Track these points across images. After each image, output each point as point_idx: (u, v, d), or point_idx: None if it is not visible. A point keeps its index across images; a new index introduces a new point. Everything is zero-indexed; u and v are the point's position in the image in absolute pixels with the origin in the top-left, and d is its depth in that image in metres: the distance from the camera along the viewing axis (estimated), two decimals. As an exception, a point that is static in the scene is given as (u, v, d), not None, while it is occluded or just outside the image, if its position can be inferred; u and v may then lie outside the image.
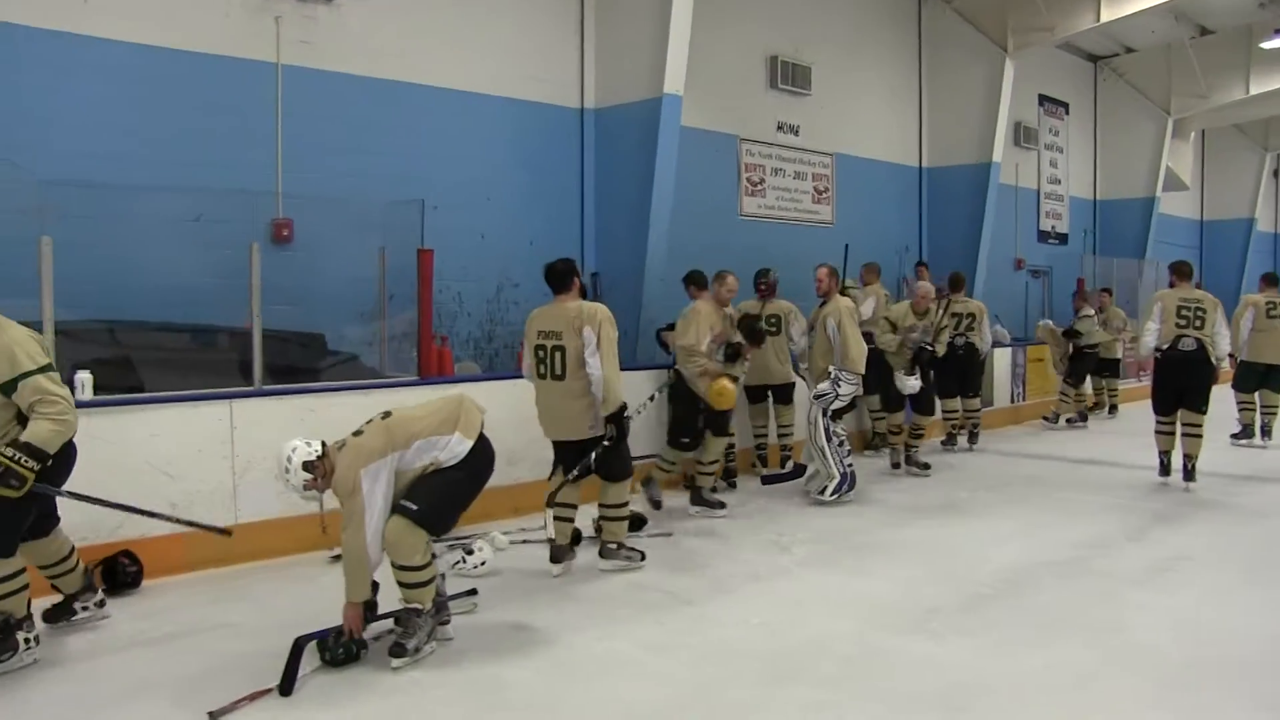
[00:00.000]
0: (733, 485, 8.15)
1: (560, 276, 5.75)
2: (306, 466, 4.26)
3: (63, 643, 4.61)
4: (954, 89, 12.81)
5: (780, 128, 11.15)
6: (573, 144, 9.20)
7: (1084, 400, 12.37)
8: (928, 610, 5.07)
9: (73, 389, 5.31)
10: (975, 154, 12.69)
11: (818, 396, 7.48)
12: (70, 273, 5.56)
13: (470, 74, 8.49)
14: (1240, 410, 10.77)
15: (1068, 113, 15.56)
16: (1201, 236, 20.01)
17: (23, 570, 4.38)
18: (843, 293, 7.94)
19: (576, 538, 6.05)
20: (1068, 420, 12.05)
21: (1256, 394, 10.61)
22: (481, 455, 4.57)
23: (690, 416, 7.11)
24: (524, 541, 6.40)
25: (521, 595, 5.34)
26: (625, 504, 5.88)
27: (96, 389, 5.48)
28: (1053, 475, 8.95)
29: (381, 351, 7.28)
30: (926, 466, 8.84)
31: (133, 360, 6.08)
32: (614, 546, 5.82)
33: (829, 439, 7.41)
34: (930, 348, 8.75)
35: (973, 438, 10.23)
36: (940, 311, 8.93)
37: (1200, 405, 7.99)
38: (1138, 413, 12.68)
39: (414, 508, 4.34)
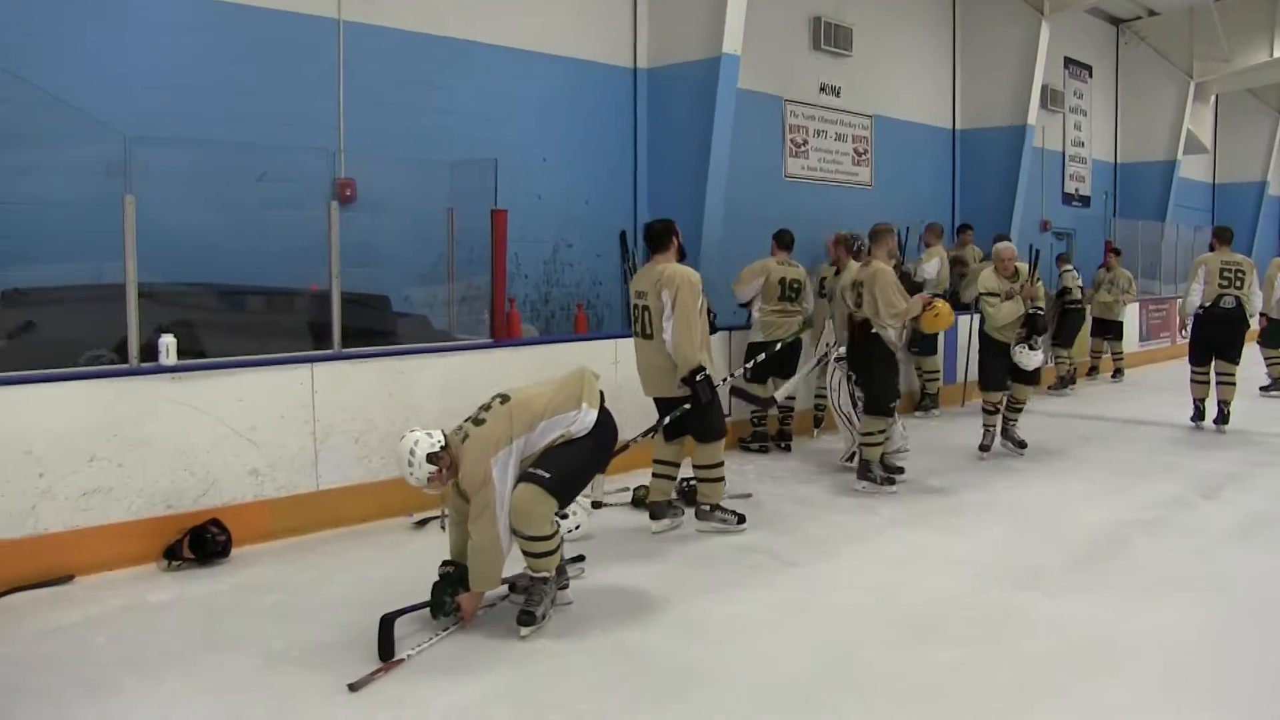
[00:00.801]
0: (788, 449, 8.10)
1: (657, 237, 5.74)
2: (430, 459, 4.16)
3: (174, 611, 4.53)
4: (988, 51, 12.68)
5: (823, 89, 11.02)
6: (626, 104, 9.05)
7: (1069, 362, 11.75)
8: (1033, 569, 5.06)
9: (156, 353, 5.23)
10: (1009, 116, 12.59)
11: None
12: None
13: (525, 32, 8.30)
14: (1269, 365, 11.52)
15: (1091, 75, 15.46)
16: (1214, 199, 20.00)
17: None
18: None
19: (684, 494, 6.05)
20: (1049, 388, 11.43)
21: None
22: (607, 425, 4.52)
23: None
24: (599, 505, 6.32)
25: (623, 558, 5.29)
26: (719, 464, 5.82)
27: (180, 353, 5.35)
28: (1106, 434, 8.99)
29: (450, 313, 7.15)
30: (1023, 445, 8.08)
31: (203, 324, 5.92)
32: (708, 508, 5.79)
33: (854, 403, 7.25)
34: (1041, 312, 7.93)
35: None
36: (1031, 271, 8.01)
37: (1235, 357, 8.88)
38: (1147, 375, 12.80)
39: (546, 475, 4.26)
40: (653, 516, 5.82)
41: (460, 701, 3.61)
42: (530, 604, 4.27)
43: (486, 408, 4.38)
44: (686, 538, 5.69)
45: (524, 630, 4.20)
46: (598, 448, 4.49)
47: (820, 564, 5.20)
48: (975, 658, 3.96)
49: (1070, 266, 11.72)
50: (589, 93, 8.82)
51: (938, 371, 9.83)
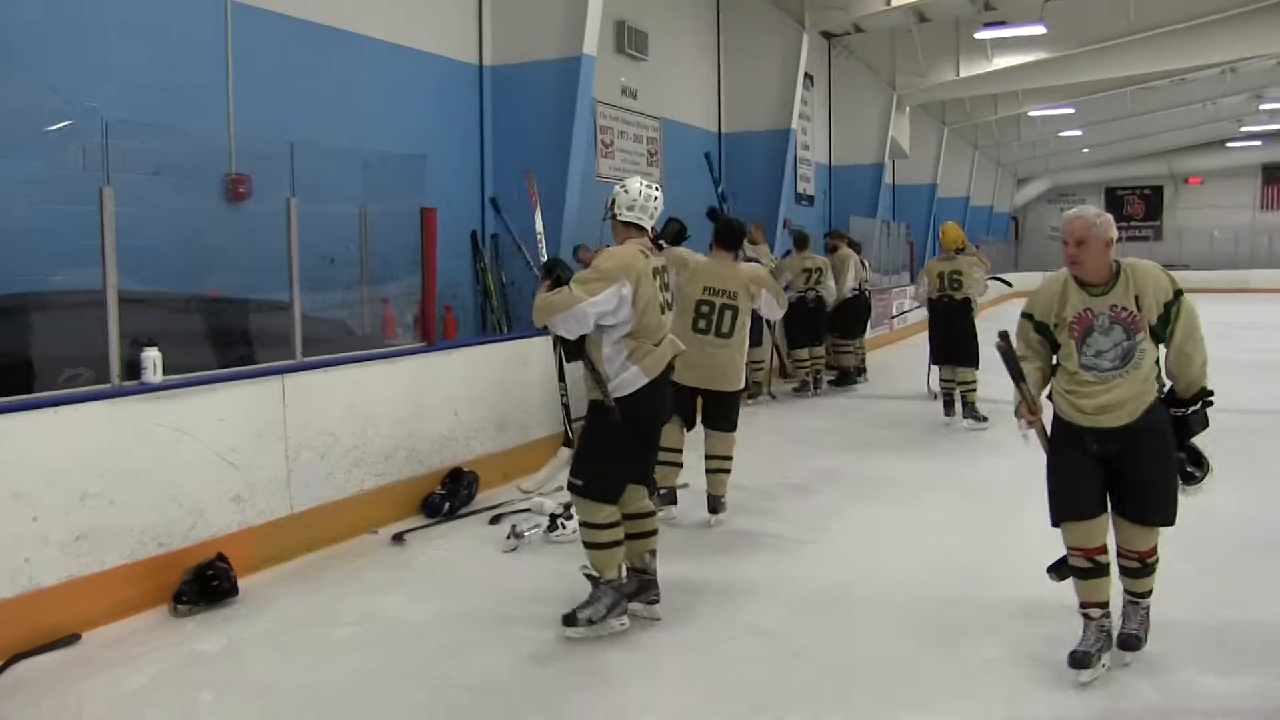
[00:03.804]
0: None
1: (736, 236, 5.97)
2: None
3: (249, 659, 4.12)
4: (752, 59, 13.50)
5: (624, 91, 11.33)
6: (472, 101, 8.86)
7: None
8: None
9: (139, 370, 4.65)
10: (773, 120, 13.54)
11: None
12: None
13: (367, 17, 7.78)
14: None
15: (813, 84, 16.92)
16: (894, 199, 22.49)
17: None
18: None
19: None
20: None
21: None
22: (645, 407, 4.31)
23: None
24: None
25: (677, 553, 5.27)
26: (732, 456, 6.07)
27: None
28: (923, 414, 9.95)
29: (365, 318, 6.76)
30: (984, 419, 8.86)
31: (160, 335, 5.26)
32: (722, 498, 5.99)
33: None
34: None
35: (817, 384, 11.13)
36: None
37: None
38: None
39: (579, 484, 4.28)
40: (712, 510, 5.95)
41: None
42: (582, 605, 4.28)
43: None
44: (706, 530, 5.87)
45: (569, 631, 4.21)
46: (632, 434, 4.30)
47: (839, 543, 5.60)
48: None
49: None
50: (433, 87, 8.53)
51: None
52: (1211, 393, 3.76)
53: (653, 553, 4.48)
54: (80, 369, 4.66)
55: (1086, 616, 3.82)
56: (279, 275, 6.31)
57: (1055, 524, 3.81)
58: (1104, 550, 3.76)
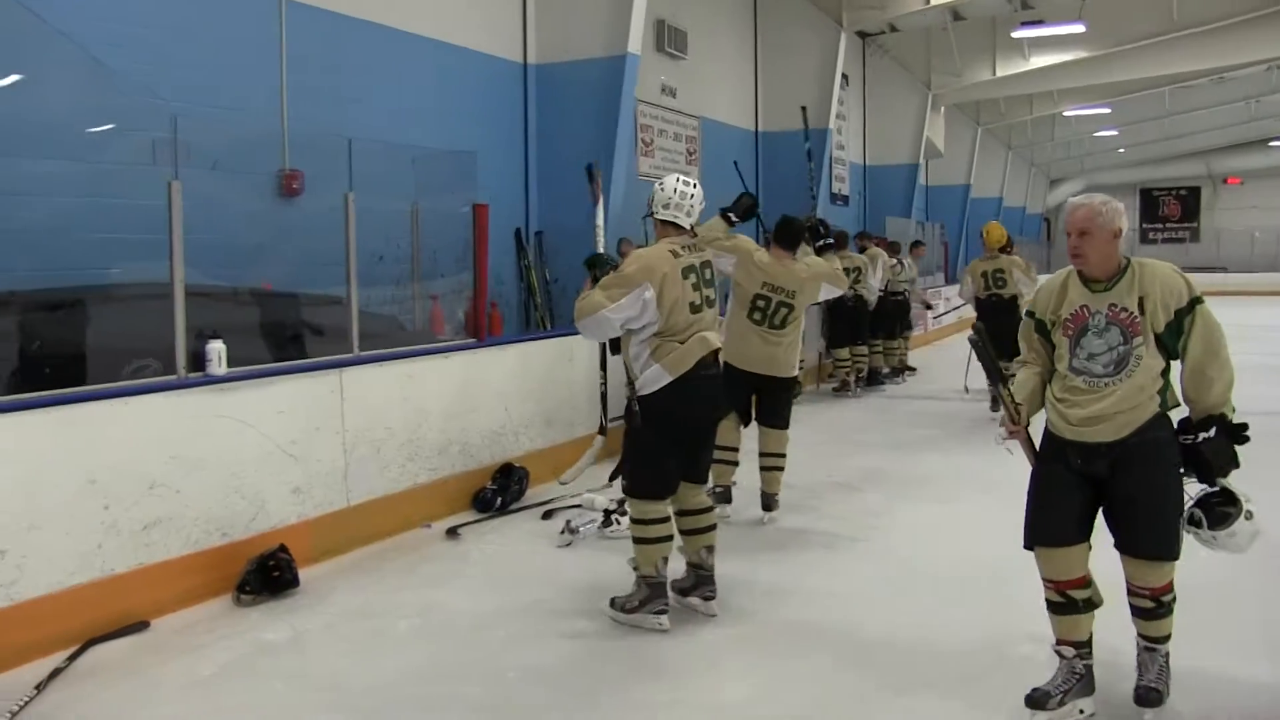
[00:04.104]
0: None
1: (796, 234, 5.95)
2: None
3: (320, 649, 4.19)
4: (790, 57, 13.54)
5: (664, 90, 11.37)
6: (516, 99, 8.92)
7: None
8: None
9: (203, 362, 4.72)
10: (811, 120, 13.52)
11: None
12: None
13: (415, 15, 7.87)
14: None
15: (848, 84, 16.90)
16: (927, 200, 22.41)
17: None
18: None
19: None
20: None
21: None
22: (676, 406, 4.27)
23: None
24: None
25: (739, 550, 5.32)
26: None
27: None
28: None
29: (417, 311, 6.83)
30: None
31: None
32: (776, 495, 6.02)
33: None
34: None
35: (858, 383, 11.14)
36: None
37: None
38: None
39: (623, 481, 4.45)
40: (765, 507, 5.97)
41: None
42: (620, 594, 4.40)
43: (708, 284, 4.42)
44: (763, 527, 5.90)
45: (605, 610, 4.37)
46: (659, 432, 4.29)
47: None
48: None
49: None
50: (479, 85, 8.60)
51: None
52: (1234, 423, 3.24)
53: (709, 549, 4.49)
54: (147, 360, 4.75)
55: (1059, 654, 3.42)
56: (329, 270, 6.41)
57: (1027, 547, 3.42)
58: (1082, 584, 3.34)
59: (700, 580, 4.48)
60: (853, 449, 8.15)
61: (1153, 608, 3.34)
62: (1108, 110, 24.44)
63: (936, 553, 5.34)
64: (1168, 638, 3.40)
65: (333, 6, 6.99)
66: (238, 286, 6.25)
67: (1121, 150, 33.37)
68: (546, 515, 6.06)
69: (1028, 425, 3.45)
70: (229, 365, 4.81)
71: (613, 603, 4.37)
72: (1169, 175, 37.48)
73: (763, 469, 6.03)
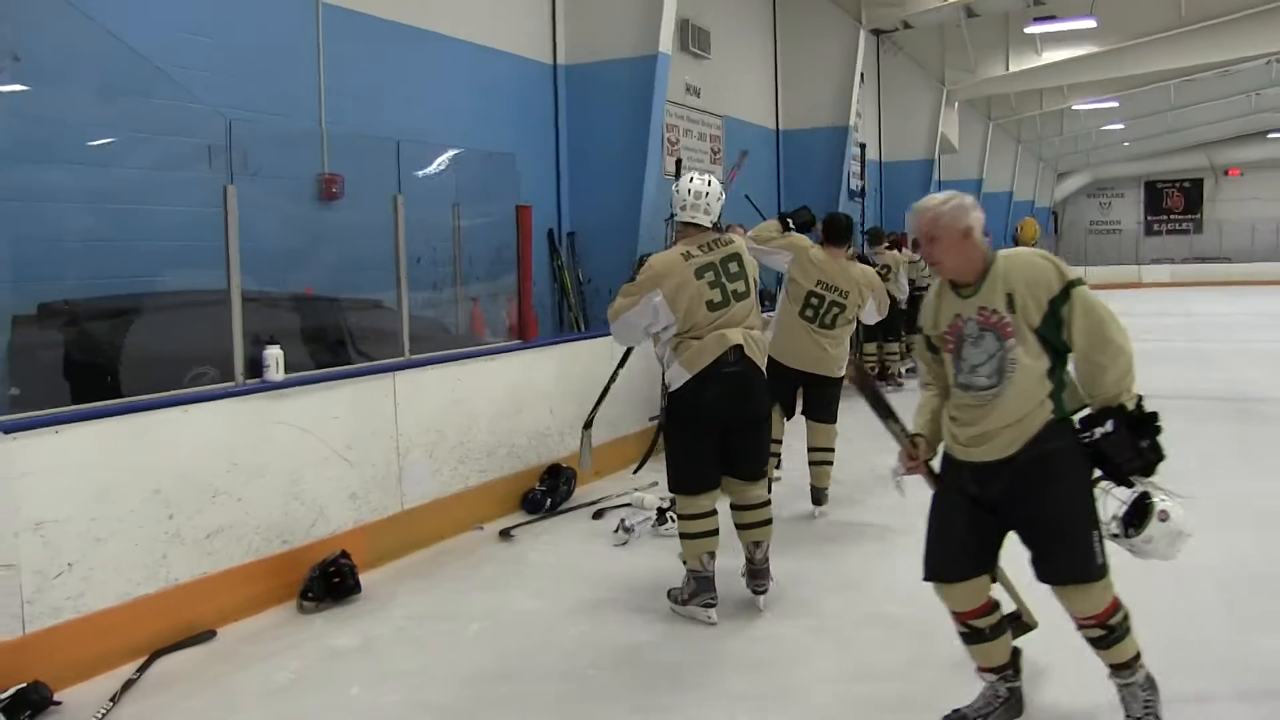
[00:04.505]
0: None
1: (843, 232, 5.96)
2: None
3: (389, 654, 4.15)
4: (810, 56, 13.52)
5: (688, 89, 11.32)
6: (547, 100, 8.87)
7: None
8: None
9: (260, 368, 4.67)
10: (830, 118, 13.53)
11: None
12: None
13: (444, 16, 7.79)
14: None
15: (864, 81, 16.85)
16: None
17: None
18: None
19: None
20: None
21: None
22: (696, 395, 4.29)
23: None
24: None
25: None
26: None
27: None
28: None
29: (459, 314, 6.78)
30: None
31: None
32: (826, 489, 6.00)
33: None
34: None
35: (886, 379, 11.08)
36: None
37: None
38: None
39: (668, 480, 4.52)
40: (816, 501, 5.98)
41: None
42: (676, 587, 4.46)
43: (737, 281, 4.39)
44: (810, 521, 5.88)
45: (666, 602, 4.46)
46: (682, 430, 4.39)
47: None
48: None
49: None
50: (510, 87, 8.54)
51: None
52: (1138, 412, 2.87)
53: (756, 544, 4.48)
54: (205, 367, 4.69)
55: (981, 678, 3.25)
56: (368, 274, 6.39)
57: (925, 579, 3.17)
58: (984, 612, 3.11)
59: (751, 573, 4.50)
60: (886, 443, 8.05)
61: (1102, 635, 3.00)
62: (1116, 104, 24.42)
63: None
64: (1135, 660, 3.04)
65: (365, 8, 6.93)
66: (279, 291, 6.19)
67: (1126, 144, 33.34)
68: (598, 515, 6.03)
69: (930, 458, 3.20)
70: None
71: (669, 594, 4.45)
72: (1172, 168, 37.47)
73: (811, 464, 6.01)
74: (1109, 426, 2.84)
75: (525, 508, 6.10)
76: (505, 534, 5.67)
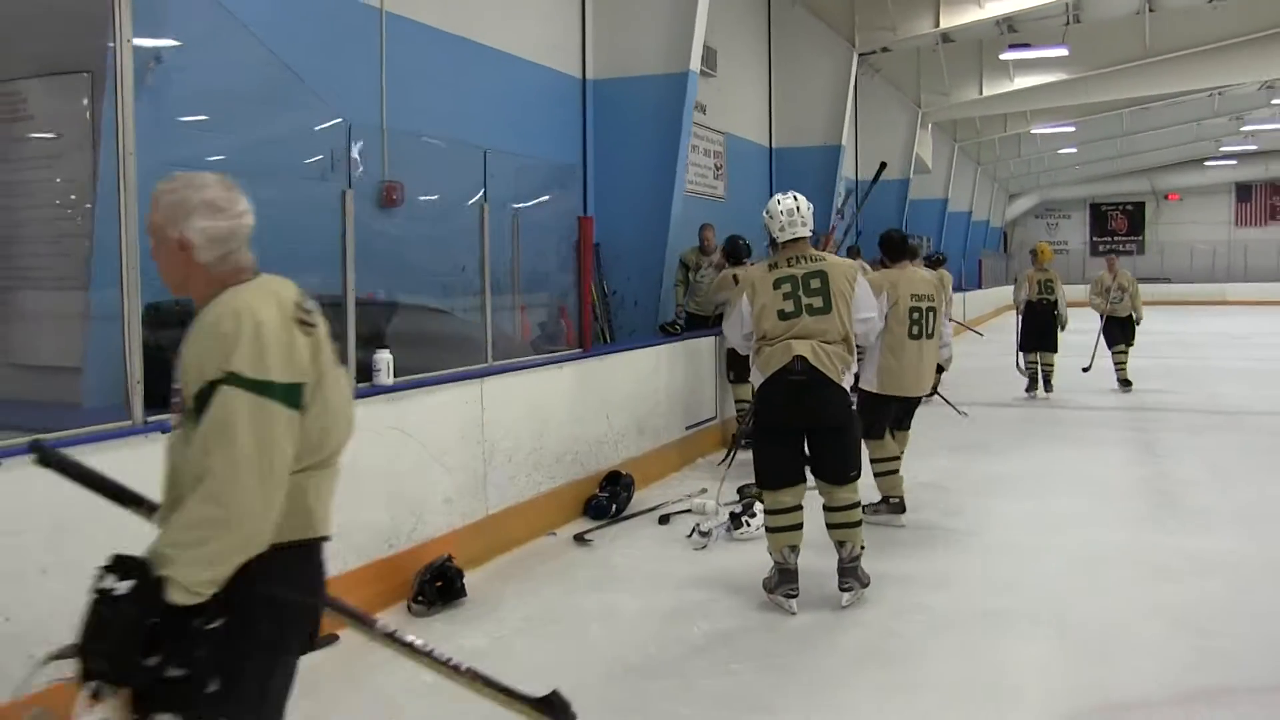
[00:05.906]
0: None
1: (898, 246, 6.25)
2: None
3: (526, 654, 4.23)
4: (803, 76, 13.77)
5: (695, 106, 11.47)
6: (575, 114, 8.97)
7: None
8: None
9: (371, 372, 4.73)
10: (823, 136, 13.81)
11: None
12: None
13: (482, 26, 7.80)
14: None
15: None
16: (904, 212, 22.82)
17: None
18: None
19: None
20: None
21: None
22: (769, 397, 4.68)
23: None
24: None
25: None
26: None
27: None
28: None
29: (517, 322, 6.86)
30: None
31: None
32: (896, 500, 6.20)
33: None
34: None
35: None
36: None
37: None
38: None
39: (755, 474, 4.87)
40: (897, 511, 6.13)
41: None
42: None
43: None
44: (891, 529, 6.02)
45: None
46: (758, 429, 4.85)
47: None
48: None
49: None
50: (541, 99, 8.63)
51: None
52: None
53: (841, 543, 4.70)
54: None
55: None
56: (425, 280, 6.44)
57: None
58: None
59: (838, 571, 4.71)
60: (917, 450, 8.26)
61: None
62: (1073, 129, 25.18)
63: (1056, 541, 5.63)
64: None
65: (421, 17, 6.98)
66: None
67: (1076, 166, 34.39)
68: (663, 520, 6.14)
69: None
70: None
71: (763, 583, 4.72)
72: (1117, 191, 38.86)
73: (889, 473, 6.23)
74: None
75: (589, 514, 6.20)
76: (580, 539, 5.76)
